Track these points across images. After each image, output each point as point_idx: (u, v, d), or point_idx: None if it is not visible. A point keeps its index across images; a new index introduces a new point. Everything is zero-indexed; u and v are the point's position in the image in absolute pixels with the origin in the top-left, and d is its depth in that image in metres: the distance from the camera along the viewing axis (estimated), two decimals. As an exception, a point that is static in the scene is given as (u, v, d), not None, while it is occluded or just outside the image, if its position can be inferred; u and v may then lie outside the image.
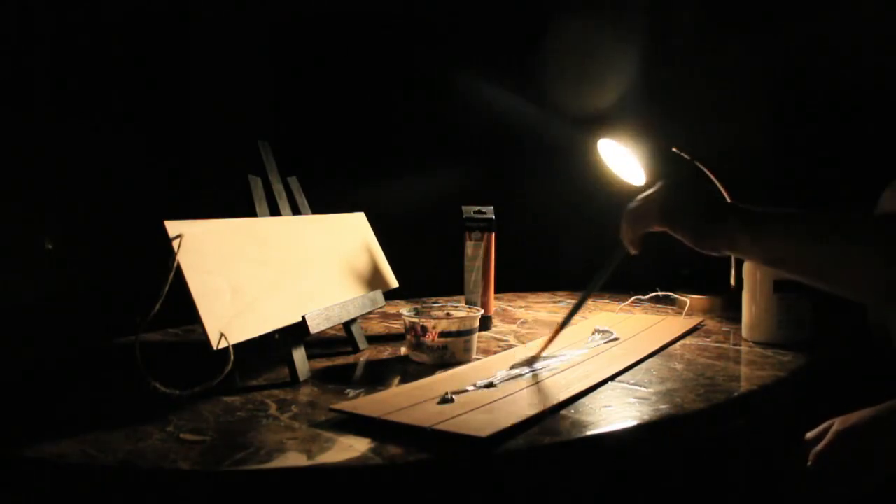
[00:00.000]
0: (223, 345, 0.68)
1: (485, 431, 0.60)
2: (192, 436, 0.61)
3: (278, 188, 0.91)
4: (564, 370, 0.83)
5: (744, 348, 0.99)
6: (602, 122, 1.38)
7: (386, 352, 0.96)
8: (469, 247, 1.11)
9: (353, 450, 0.59)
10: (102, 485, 0.55)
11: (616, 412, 0.70)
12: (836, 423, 0.80)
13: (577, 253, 1.62)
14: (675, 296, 1.30)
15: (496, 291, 1.13)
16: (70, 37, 1.61)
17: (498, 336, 1.07)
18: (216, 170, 1.74)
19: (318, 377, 0.82)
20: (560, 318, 1.23)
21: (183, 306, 0.67)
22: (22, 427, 0.64)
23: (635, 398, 0.74)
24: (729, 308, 1.24)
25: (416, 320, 0.88)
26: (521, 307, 1.34)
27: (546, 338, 0.93)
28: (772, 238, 0.69)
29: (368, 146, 1.76)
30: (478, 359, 0.90)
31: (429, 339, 0.87)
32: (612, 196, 1.49)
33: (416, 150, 1.74)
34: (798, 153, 1.40)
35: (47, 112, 1.60)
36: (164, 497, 0.55)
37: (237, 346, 0.69)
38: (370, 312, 1.02)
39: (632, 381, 0.81)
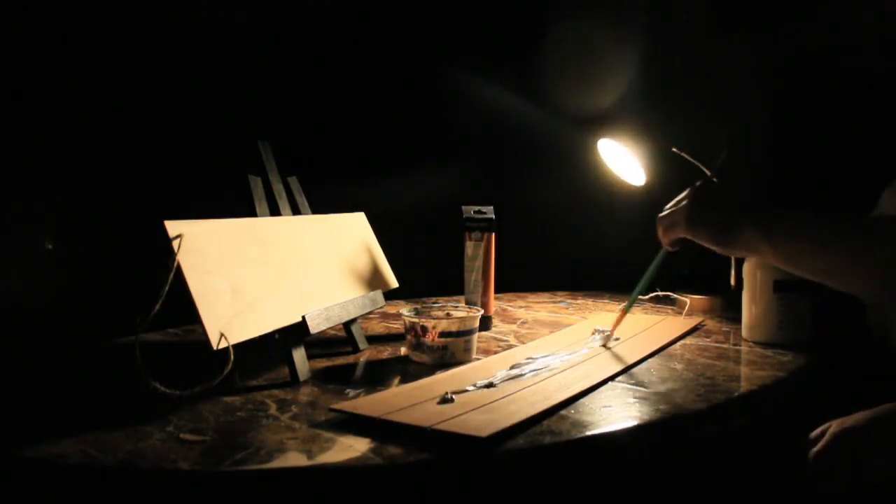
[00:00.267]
0: (223, 345, 0.68)
1: (485, 431, 0.60)
2: (192, 436, 0.61)
3: (278, 188, 0.91)
4: (564, 370, 0.83)
5: (744, 348, 0.99)
6: (602, 122, 1.38)
7: (386, 352, 0.96)
8: (469, 247, 1.11)
9: (353, 450, 0.59)
10: (102, 485, 0.55)
11: (616, 412, 0.70)
12: (834, 425, 0.80)
13: (577, 253, 1.62)
14: (675, 296, 1.30)
15: (496, 291, 1.13)
16: (70, 37, 1.61)
17: (498, 336, 1.07)
18: (216, 170, 1.74)
19: (318, 377, 0.82)
20: (560, 318, 1.23)
21: (183, 306, 0.67)
22: (22, 427, 0.64)
23: (635, 398, 0.74)
24: (729, 308, 1.24)
25: (416, 320, 0.88)
26: (521, 307, 1.34)
27: (615, 319, 1.00)
28: (786, 241, 0.73)
29: (368, 146, 1.76)
30: (478, 359, 0.90)
31: (429, 339, 0.87)
32: (612, 196, 1.49)
33: (416, 150, 1.74)
34: (798, 153, 1.40)
35: (47, 112, 1.60)
36: (164, 497, 0.55)
37: (237, 346, 0.69)
38: (370, 312, 1.02)
39: (632, 381, 0.81)
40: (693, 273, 1.36)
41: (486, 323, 1.10)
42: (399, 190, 1.62)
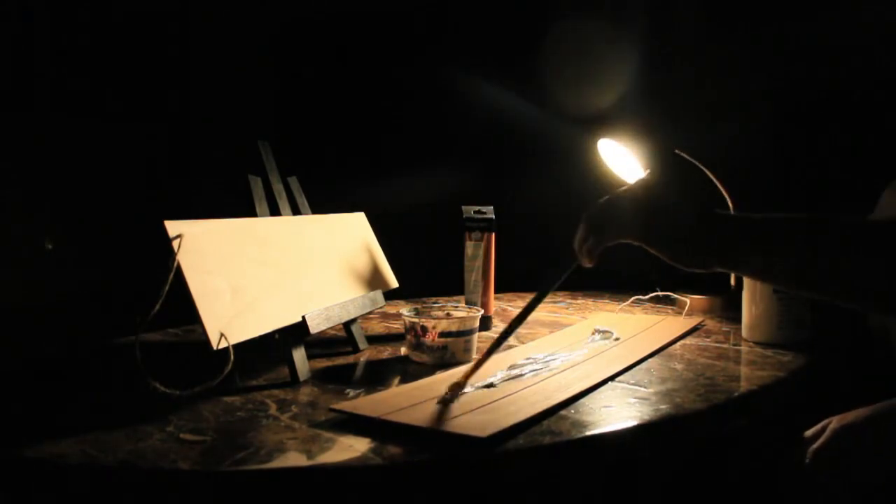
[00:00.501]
0: (223, 345, 0.68)
1: (485, 431, 0.60)
2: (192, 436, 0.61)
3: (278, 188, 0.91)
4: (564, 370, 0.83)
5: (744, 348, 0.99)
6: (602, 122, 1.38)
7: (386, 352, 0.96)
8: (469, 247, 1.11)
9: (353, 450, 0.59)
10: (102, 485, 0.55)
11: (616, 412, 0.70)
12: (834, 422, 0.80)
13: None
14: (675, 296, 1.30)
15: (496, 291, 1.13)
16: (70, 36, 1.61)
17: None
18: (216, 170, 1.74)
19: (318, 377, 0.82)
20: (560, 318, 1.23)
21: (183, 306, 0.67)
22: (22, 427, 0.64)
23: (635, 398, 0.74)
24: (729, 308, 1.24)
25: (416, 320, 0.88)
26: (520, 307, 1.34)
27: (470, 365, 0.76)
28: (755, 274, 0.64)
29: (368, 146, 1.76)
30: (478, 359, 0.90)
31: (429, 339, 0.87)
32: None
33: (416, 150, 1.74)
34: (797, 153, 1.40)
35: (47, 112, 1.60)
36: (164, 497, 0.55)
37: (237, 346, 0.69)
38: (370, 312, 1.02)
39: (632, 381, 0.81)
40: (693, 273, 1.36)
41: (486, 323, 1.10)
42: (399, 190, 1.62)
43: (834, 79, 1.32)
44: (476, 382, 0.75)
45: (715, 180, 1.24)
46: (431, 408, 0.67)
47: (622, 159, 1.31)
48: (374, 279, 1.03)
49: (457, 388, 0.71)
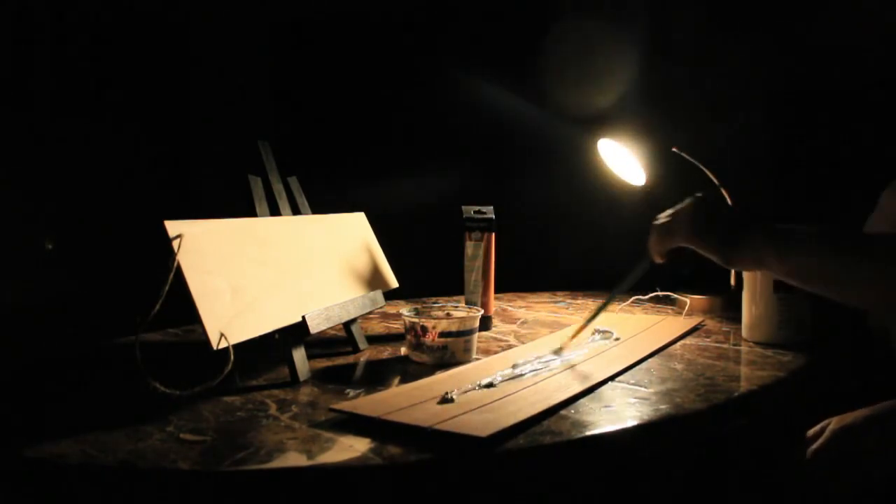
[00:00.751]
0: (223, 345, 0.68)
1: (485, 431, 0.60)
2: (192, 436, 0.61)
3: (278, 188, 0.91)
4: (564, 370, 0.83)
5: (744, 348, 0.99)
6: (602, 122, 1.38)
7: (386, 352, 0.96)
8: (469, 247, 1.11)
9: (353, 450, 0.59)
10: (102, 485, 0.55)
11: (616, 412, 0.70)
12: (833, 422, 0.80)
13: (577, 253, 1.62)
14: (675, 296, 1.30)
15: (496, 291, 1.13)
16: (70, 37, 1.61)
17: (498, 336, 1.07)
18: (216, 170, 1.74)
19: (318, 377, 0.82)
20: (560, 318, 1.23)
21: (183, 306, 0.67)
22: (22, 427, 0.64)
23: (635, 398, 0.74)
24: (729, 308, 1.24)
25: (416, 320, 0.88)
26: (521, 307, 1.34)
27: (574, 329, 0.95)
28: (797, 254, 0.73)
29: (368, 146, 1.76)
30: (478, 359, 0.90)
31: (429, 339, 0.87)
32: (612, 196, 1.49)
33: (416, 150, 1.74)
34: (797, 153, 1.40)
35: (47, 112, 1.60)
36: (164, 497, 0.55)
37: (237, 346, 0.69)
38: (370, 312, 1.02)
39: (632, 381, 0.81)
40: (693, 273, 1.36)
41: (486, 323, 1.10)
42: (399, 190, 1.62)
43: (833, 79, 1.32)
44: (482, 380, 0.75)
45: (715, 180, 1.24)
46: (431, 408, 0.67)
47: (622, 159, 1.31)
48: (374, 279, 1.03)
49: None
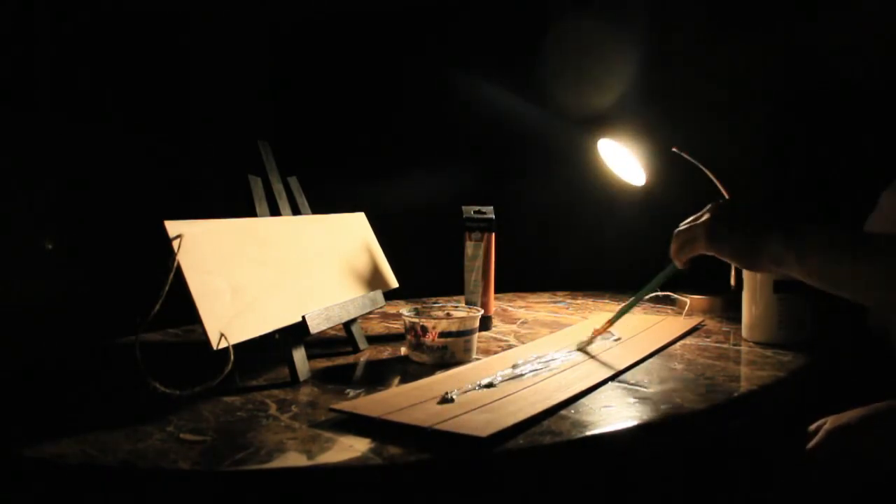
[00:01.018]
0: (223, 345, 0.68)
1: (485, 431, 0.60)
2: (192, 436, 0.61)
3: (278, 188, 0.91)
4: (564, 370, 0.83)
5: (744, 348, 0.99)
6: (602, 123, 1.38)
7: (386, 352, 0.96)
8: (469, 247, 1.11)
9: (353, 450, 0.59)
10: (102, 485, 0.55)
11: (616, 412, 0.70)
12: (829, 422, 0.80)
13: (577, 253, 1.62)
14: (675, 296, 1.30)
15: (496, 291, 1.13)
16: (70, 37, 1.61)
17: (498, 336, 1.07)
18: (216, 170, 1.74)
19: (318, 377, 0.82)
20: (560, 318, 1.23)
21: (183, 306, 0.67)
22: (22, 427, 0.64)
23: (635, 398, 0.74)
24: (729, 308, 1.24)
25: (416, 320, 0.88)
26: (521, 307, 1.34)
27: (593, 328, 0.98)
28: (816, 256, 0.73)
29: (368, 146, 1.76)
30: (478, 359, 0.90)
31: (429, 339, 0.87)
32: (612, 196, 1.49)
33: (416, 150, 1.74)
34: (797, 153, 1.40)
35: (47, 112, 1.60)
36: (164, 497, 0.55)
37: (237, 346, 0.69)
38: (370, 312, 1.02)
39: (632, 381, 0.81)
40: (693, 273, 1.36)
41: (486, 323, 1.10)
42: (399, 190, 1.62)
43: (833, 79, 1.32)
44: (482, 380, 0.75)
45: (715, 180, 1.24)
46: (431, 408, 0.67)
47: (622, 159, 1.31)
48: (374, 279, 1.03)
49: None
